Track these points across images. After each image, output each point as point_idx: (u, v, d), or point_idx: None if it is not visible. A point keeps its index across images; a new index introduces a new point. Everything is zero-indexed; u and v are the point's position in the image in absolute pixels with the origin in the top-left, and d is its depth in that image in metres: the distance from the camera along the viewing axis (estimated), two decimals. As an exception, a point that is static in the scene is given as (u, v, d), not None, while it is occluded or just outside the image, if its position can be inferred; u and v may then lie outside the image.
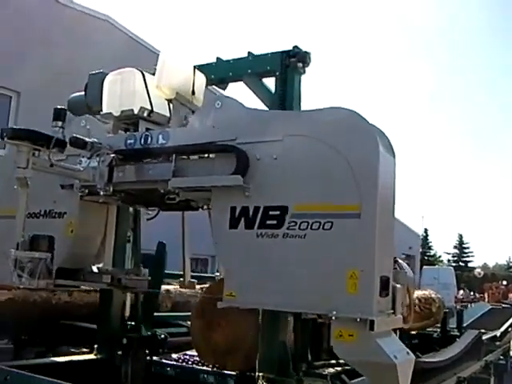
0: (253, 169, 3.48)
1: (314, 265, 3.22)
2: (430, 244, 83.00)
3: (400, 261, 4.20)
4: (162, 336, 4.81)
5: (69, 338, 5.34)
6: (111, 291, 4.64)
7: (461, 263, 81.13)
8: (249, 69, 4.34)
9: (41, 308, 5.36)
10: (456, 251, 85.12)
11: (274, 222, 3.36)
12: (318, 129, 3.34)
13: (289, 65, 4.13)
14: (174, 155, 3.77)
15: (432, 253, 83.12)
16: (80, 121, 4.31)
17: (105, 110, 4.21)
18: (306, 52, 4.13)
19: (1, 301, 5.27)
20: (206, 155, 3.73)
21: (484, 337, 9.71)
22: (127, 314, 4.75)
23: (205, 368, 4.49)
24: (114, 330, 4.69)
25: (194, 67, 4.15)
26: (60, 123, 3.89)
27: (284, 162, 3.41)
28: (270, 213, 3.38)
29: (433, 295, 9.16)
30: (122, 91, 4.12)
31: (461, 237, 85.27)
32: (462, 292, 31.42)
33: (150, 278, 4.56)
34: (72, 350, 5.04)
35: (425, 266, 43.19)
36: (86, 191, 4.14)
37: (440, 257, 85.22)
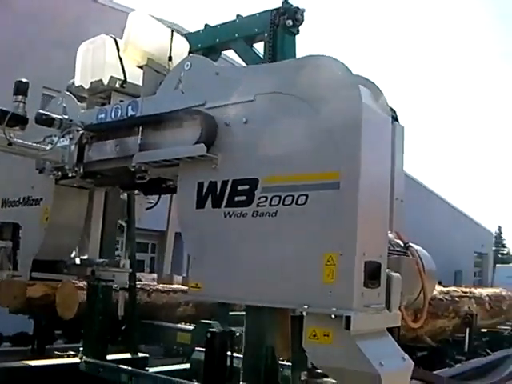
0: (222, 137, 2.84)
1: (286, 248, 2.54)
2: (504, 242, 79.14)
3: (416, 247, 3.43)
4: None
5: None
6: (97, 286, 4.07)
7: (537, 262, 76.89)
8: (236, 33, 3.66)
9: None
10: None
11: (243, 198, 2.70)
12: (291, 83, 2.65)
13: (278, 24, 3.42)
14: (140, 127, 3.17)
15: (506, 251, 79.26)
16: (58, 99, 3.77)
17: (77, 82, 3.66)
18: (297, 8, 3.41)
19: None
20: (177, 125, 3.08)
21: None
22: (120, 313, 4.17)
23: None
24: (102, 331, 4.14)
25: (172, 31, 3.52)
26: (20, 97, 3.35)
27: (254, 125, 2.74)
28: (239, 188, 2.73)
29: (503, 293, 8.84)
30: (93, 61, 3.57)
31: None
32: None
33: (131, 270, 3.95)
34: (57, 353, 4.52)
35: (498, 265, 40.97)
36: (59, 174, 3.59)
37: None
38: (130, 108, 3.29)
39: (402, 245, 3.27)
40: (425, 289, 3.18)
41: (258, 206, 2.63)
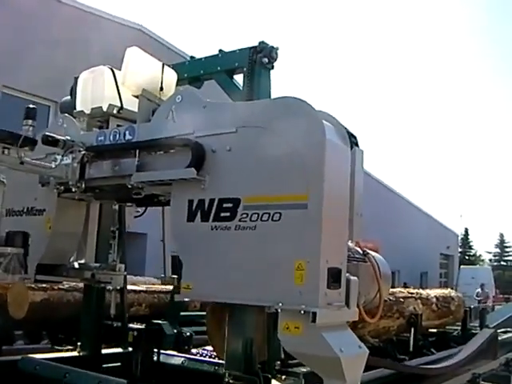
0: (209, 161, 3.35)
1: (263, 256, 3.07)
2: (471, 243, 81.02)
3: (373, 254, 3.99)
4: (188, 334, 4.78)
5: (104, 336, 5.16)
6: (93, 287, 4.57)
7: (502, 262, 78.99)
8: (218, 66, 4.21)
9: (74, 307, 5.35)
10: (497, 250, 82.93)
11: (228, 214, 3.22)
12: (267, 118, 3.19)
13: (255, 60, 3.98)
14: (137, 151, 3.68)
15: (473, 252, 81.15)
16: (58, 120, 4.25)
17: (78, 108, 4.16)
18: (272, 47, 3.98)
19: (36, 301, 5.36)
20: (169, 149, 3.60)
21: (507, 335, 9.49)
22: (113, 311, 4.64)
23: (207, 359, 4.47)
24: (97, 327, 4.61)
25: (163, 64, 4.04)
26: (30, 121, 3.83)
27: (237, 153, 3.27)
28: (224, 205, 3.25)
29: (452, 294, 8.99)
30: (93, 89, 4.06)
31: (502, 236, 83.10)
32: (479, 291, 29.84)
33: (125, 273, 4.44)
34: (56, 347, 4.95)
35: (462, 266, 42.18)
36: (62, 188, 4.08)
37: (481, 256, 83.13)
38: (127, 132, 3.79)
39: (361, 252, 3.84)
40: (380, 290, 3.75)
41: (239, 221, 3.16)
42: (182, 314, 6.05)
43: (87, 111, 4.07)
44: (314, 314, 2.83)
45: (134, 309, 6.36)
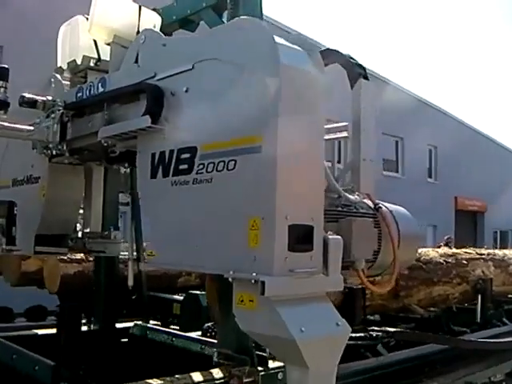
0: (169, 107, 2.78)
1: (219, 215, 2.47)
2: None
3: (394, 207, 3.26)
4: None
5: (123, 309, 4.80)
6: (101, 258, 4.16)
7: None
8: (203, 2, 3.57)
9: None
10: None
11: (186, 166, 2.64)
12: (221, 47, 2.56)
13: None
14: (104, 103, 3.18)
15: None
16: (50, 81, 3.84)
17: (58, 64, 3.71)
18: None
19: (70, 274, 5.05)
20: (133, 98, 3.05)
21: None
22: (130, 283, 4.22)
23: (195, 337, 3.93)
24: (109, 300, 4.21)
25: (140, 6, 3.47)
26: (1, 83, 3.42)
27: (193, 94, 2.67)
28: (182, 156, 2.67)
29: None
30: (70, 42, 3.59)
31: None
32: None
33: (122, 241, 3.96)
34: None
35: None
36: (49, 152, 3.66)
37: None
38: (99, 85, 3.29)
39: (372, 206, 3.12)
40: (395, 253, 3.01)
41: (197, 173, 2.57)
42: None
43: (64, 67, 3.61)
44: (263, 283, 2.18)
45: (182, 279, 5.89)
